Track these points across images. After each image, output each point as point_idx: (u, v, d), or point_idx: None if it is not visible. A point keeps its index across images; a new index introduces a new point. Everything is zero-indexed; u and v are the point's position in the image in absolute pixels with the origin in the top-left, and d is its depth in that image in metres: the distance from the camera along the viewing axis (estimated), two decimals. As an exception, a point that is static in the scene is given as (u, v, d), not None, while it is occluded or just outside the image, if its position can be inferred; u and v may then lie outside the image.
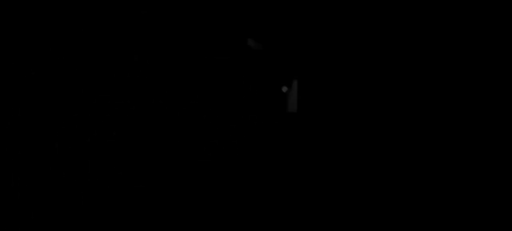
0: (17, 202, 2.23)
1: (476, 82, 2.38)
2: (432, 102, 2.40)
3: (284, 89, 2.35)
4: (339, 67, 2.47)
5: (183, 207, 2.30)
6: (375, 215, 2.29)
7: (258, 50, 2.25)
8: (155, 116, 2.43)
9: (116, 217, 2.26)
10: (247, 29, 2.40)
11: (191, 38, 2.47)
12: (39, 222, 2.21)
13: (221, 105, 2.48)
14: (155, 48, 2.44)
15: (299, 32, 2.47)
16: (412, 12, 2.41)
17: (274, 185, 2.37)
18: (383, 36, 2.44)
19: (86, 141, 2.36)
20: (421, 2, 2.39)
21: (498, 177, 2.31)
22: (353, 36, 2.46)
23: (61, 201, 2.26)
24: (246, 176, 2.39)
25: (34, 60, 2.35)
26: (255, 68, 2.47)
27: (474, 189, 2.31)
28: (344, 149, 2.41)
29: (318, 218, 2.29)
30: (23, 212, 2.22)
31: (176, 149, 2.40)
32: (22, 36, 2.35)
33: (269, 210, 2.31)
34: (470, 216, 2.26)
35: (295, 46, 2.47)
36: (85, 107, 2.38)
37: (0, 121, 2.30)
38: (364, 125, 2.44)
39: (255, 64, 2.46)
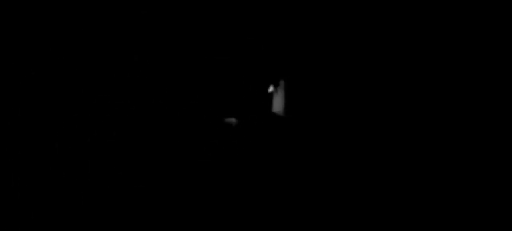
0: (17, 202, 2.23)
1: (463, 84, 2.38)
2: (419, 105, 2.41)
3: (271, 89, 2.35)
4: (327, 69, 2.47)
5: (183, 207, 2.30)
6: (362, 217, 2.29)
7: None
8: (155, 115, 2.43)
9: (116, 217, 2.26)
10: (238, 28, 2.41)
11: (191, 38, 2.47)
12: (39, 222, 2.21)
13: (221, 105, 2.48)
14: (155, 48, 2.44)
15: (286, 32, 2.47)
16: (398, 13, 2.42)
17: (271, 185, 2.37)
18: (371, 38, 2.45)
19: (86, 141, 2.35)
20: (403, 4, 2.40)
21: (498, 177, 2.30)
22: (341, 38, 2.46)
23: (61, 201, 2.26)
24: (245, 176, 2.39)
25: (34, 60, 2.35)
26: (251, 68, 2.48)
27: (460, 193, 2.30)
28: (332, 151, 2.42)
29: (310, 218, 2.29)
30: (23, 212, 2.22)
31: (176, 149, 2.40)
32: (22, 36, 2.35)
33: (267, 210, 2.31)
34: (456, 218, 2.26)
35: (282, 46, 2.47)
36: (85, 107, 2.38)
37: (0, 121, 2.31)
38: (351, 127, 2.44)
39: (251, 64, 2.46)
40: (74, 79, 2.38)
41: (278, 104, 2.47)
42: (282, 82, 2.47)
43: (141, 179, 2.35)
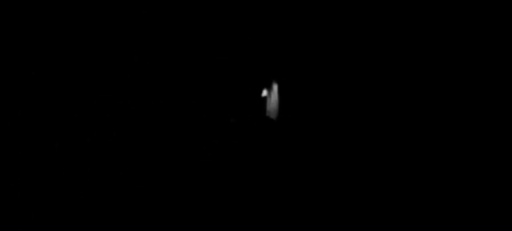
0: (17, 202, 2.24)
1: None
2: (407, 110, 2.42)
3: (264, 93, 2.36)
4: (321, 72, 2.48)
5: (183, 207, 2.30)
6: (359, 217, 2.29)
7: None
8: (155, 115, 2.43)
9: (116, 217, 2.26)
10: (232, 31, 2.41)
11: (191, 38, 2.47)
12: (39, 222, 2.21)
13: (221, 105, 2.48)
14: (155, 48, 2.45)
15: (279, 35, 2.48)
16: (391, 13, 2.42)
17: (271, 185, 2.37)
18: (364, 41, 2.45)
19: (86, 141, 2.36)
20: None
21: (497, 177, 2.31)
22: (335, 41, 2.47)
23: (61, 201, 2.27)
24: (245, 176, 2.39)
25: (34, 60, 2.36)
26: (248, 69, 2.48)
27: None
28: (326, 154, 2.43)
29: (309, 218, 2.30)
30: (23, 212, 2.22)
31: (176, 149, 2.40)
32: (22, 36, 2.35)
33: (267, 210, 2.31)
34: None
35: (275, 49, 2.48)
36: (85, 107, 2.38)
37: (0, 121, 2.31)
38: (345, 130, 2.45)
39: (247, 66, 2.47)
40: (74, 79, 2.38)
41: (274, 106, 2.48)
42: (277, 85, 2.48)
43: (141, 179, 2.35)
